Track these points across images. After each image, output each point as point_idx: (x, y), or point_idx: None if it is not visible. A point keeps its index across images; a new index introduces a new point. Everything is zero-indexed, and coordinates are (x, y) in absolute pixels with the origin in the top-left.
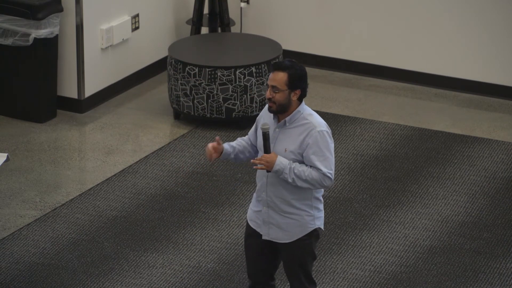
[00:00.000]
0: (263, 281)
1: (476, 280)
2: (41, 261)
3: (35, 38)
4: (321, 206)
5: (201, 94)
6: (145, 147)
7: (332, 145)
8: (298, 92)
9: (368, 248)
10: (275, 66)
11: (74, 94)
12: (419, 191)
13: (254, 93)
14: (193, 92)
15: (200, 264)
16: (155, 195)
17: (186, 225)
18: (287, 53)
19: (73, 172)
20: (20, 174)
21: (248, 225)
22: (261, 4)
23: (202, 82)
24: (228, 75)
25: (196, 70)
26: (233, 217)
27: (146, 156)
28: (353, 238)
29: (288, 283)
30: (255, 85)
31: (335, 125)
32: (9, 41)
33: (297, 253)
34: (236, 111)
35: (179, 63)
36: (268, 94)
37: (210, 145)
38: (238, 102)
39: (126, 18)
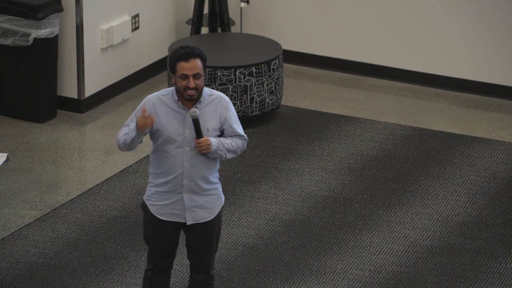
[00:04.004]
0: (171, 264)
1: (476, 280)
2: (41, 261)
3: (35, 38)
4: None
5: None
6: (145, 147)
7: None
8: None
9: (368, 248)
10: (190, 55)
11: (74, 94)
12: (419, 191)
13: (254, 93)
14: None
15: None
16: None
17: None
18: (287, 53)
19: (73, 172)
20: (20, 174)
21: (158, 221)
22: (261, 4)
23: None
24: (228, 75)
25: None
26: (233, 217)
27: (146, 156)
28: (353, 238)
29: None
30: (255, 85)
31: (335, 125)
32: (9, 41)
33: (216, 228)
34: (236, 111)
35: None
36: (192, 83)
37: (150, 116)
38: (238, 102)
39: (126, 18)
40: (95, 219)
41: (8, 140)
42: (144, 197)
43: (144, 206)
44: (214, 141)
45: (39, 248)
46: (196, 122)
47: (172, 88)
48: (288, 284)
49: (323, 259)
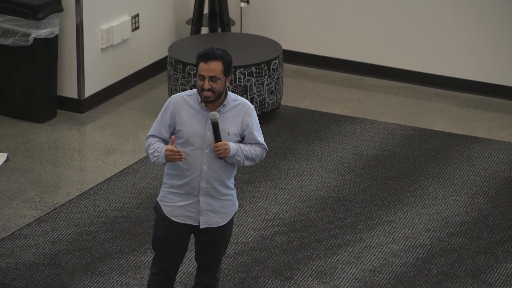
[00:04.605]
0: (178, 268)
1: (476, 280)
2: (41, 261)
3: (35, 38)
4: None
5: None
6: None
7: None
8: (229, 78)
9: (368, 248)
10: (209, 56)
11: (74, 94)
12: (419, 191)
13: (254, 93)
14: None
15: None
16: (155, 195)
17: None
18: (287, 53)
19: (73, 172)
20: (20, 174)
21: (171, 222)
22: (261, 4)
23: None
24: None
25: (196, 70)
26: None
27: (146, 156)
28: (353, 238)
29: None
30: (255, 85)
31: (335, 125)
32: (9, 41)
33: (228, 233)
34: None
35: (179, 63)
36: (206, 85)
37: (174, 148)
38: None
39: (126, 18)
40: (95, 219)
41: (8, 140)
42: (158, 198)
43: (157, 207)
44: (233, 146)
45: (39, 248)
46: (215, 126)
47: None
48: (288, 284)
49: (323, 259)
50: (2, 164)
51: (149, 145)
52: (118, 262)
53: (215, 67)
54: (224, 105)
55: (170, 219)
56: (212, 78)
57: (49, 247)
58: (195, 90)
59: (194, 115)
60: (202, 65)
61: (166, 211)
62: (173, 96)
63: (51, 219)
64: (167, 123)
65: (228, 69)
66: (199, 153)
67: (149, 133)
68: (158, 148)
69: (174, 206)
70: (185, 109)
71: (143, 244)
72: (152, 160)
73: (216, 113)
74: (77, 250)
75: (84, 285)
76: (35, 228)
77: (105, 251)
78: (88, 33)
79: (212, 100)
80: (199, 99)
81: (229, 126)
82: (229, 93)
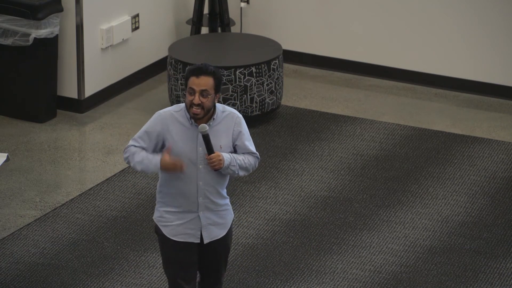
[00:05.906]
0: (196, 284)
1: (476, 280)
2: (41, 261)
3: (35, 38)
4: None
5: None
6: None
7: None
8: (218, 95)
9: (368, 248)
10: (201, 71)
11: (74, 94)
12: (419, 191)
13: (254, 93)
14: None
15: None
16: (155, 195)
17: None
18: (287, 53)
19: (73, 172)
20: (20, 174)
21: (172, 242)
22: (261, 4)
23: None
24: (228, 75)
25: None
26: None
27: None
28: (353, 238)
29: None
30: (255, 85)
31: (335, 125)
32: (9, 41)
33: (229, 242)
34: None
35: (179, 63)
36: (196, 99)
37: (176, 160)
38: (238, 102)
39: (126, 18)
40: (95, 219)
41: (8, 140)
42: (155, 218)
43: (157, 229)
44: (226, 156)
45: (39, 248)
46: (206, 138)
47: (184, 104)
48: (288, 284)
49: (323, 259)
50: (2, 164)
51: (133, 153)
52: (118, 262)
53: (207, 82)
54: (214, 119)
55: (171, 239)
56: (203, 93)
57: (49, 247)
58: (182, 105)
59: (184, 132)
60: (193, 79)
61: (165, 231)
62: (161, 112)
63: (51, 219)
64: (154, 139)
65: (218, 85)
66: (193, 170)
67: (131, 143)
68: (148, 156)
69: (172, 226)
70: (175, 126)
71: (143, 244)
72: (138, 169)
73: (206, 125)
74: (77, 250)
75: (84, 285)
76: (35, 228)
77: (105, 251)
78: (88, 33)
79: (201, 117)
80: (188, 116)
81: (221, 139)
82: (217, 104)
